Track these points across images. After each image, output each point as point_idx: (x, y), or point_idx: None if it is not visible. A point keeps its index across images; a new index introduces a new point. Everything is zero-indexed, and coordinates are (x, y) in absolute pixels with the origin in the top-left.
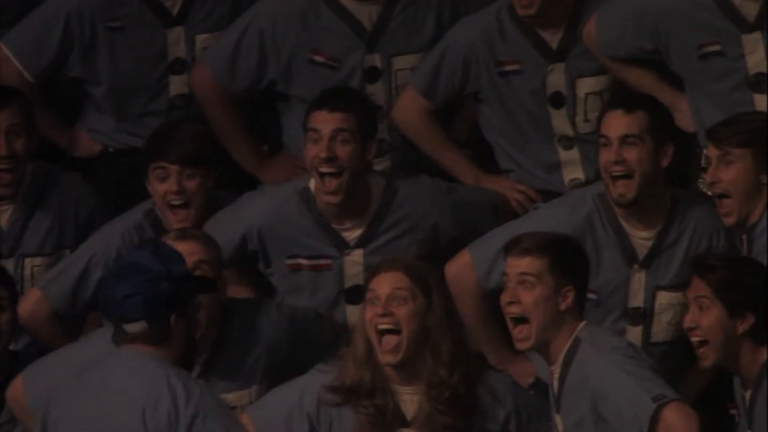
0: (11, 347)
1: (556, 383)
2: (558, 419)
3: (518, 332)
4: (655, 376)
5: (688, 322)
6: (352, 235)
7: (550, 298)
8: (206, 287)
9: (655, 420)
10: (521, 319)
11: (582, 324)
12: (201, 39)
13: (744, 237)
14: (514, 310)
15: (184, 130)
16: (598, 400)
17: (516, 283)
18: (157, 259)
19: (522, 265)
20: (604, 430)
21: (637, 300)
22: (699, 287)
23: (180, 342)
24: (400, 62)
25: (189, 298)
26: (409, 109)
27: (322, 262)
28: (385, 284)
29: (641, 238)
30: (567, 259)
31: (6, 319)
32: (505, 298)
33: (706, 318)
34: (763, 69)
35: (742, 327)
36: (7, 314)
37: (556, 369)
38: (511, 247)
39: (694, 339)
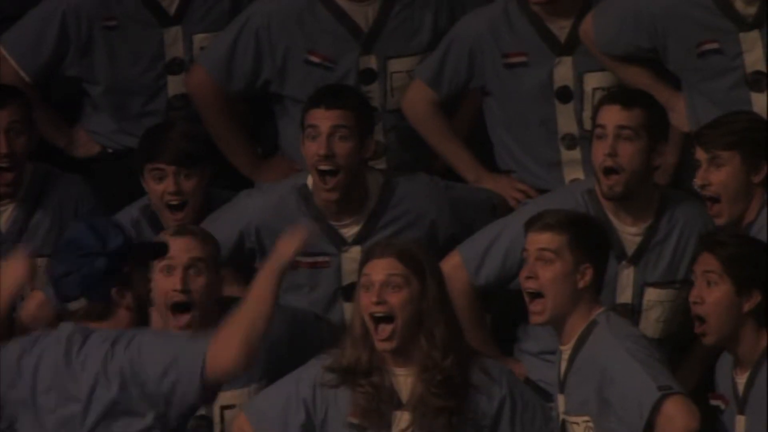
0: None
1: (564, 363)
2: (560, 399)
3: (533, 306)
4: (665, 369)
5: (693, 296)
6: (350, 232)
7: (568, 275)
8: (154, 254)
9: (656, 409)
10: (537, 294)
11: (601, 309)
12: (199, 39)
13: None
14: (531, 285)
15: (177, 129)
16: (605, 381)
17: (535, 258)
18: (92, 234)
19: (542, 240)
20: (606, 413)
21: (625, 296)
22: (708, 262)
23: (127, 314)
24: (396, 65)
25: (132, 269)
26: (415, 100)
27: (320, 259)
28: (379, 270)
29: (630, 233)
30: (587, 237)
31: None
32: (523, 273)
33: (713, 294)
34: (761, 67)
35: (748, 305)
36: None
37: (568, 349)
38: (532, 223)
39: (695, 314)
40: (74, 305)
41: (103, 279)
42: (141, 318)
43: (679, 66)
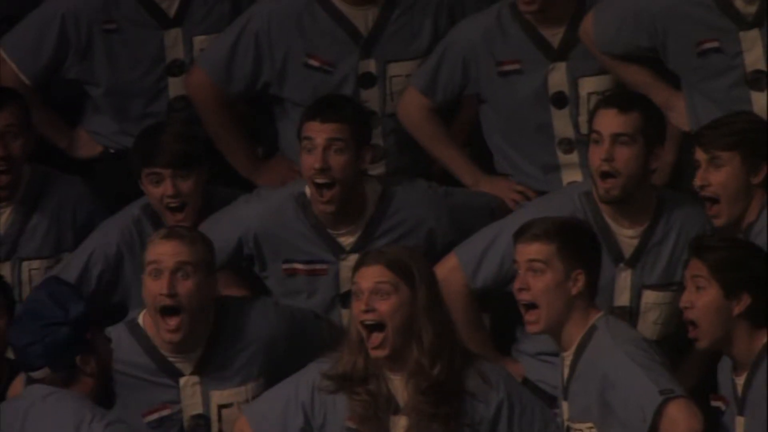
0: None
1: (566, 370)
2: (564, 406)
3: (528, 316)
4: (666, 372)
5: (683, 301)
6: (348, 240)
7: (560, 284)
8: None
9: (659, 413)
10: (531, 305)
11: (600, 314)
12: (199, 40)
13: (740, 237)
14: (524, 296)
15: (170, 131)
16: (606, 387)
17: (525, 269)
18: (53, 303)
19: (531, 251)
20: (608, 418)
21: (622, 299)
22: (696, 267)
23: (90, 378)
24: (396, 69)
25: (94, 334)
26: (410, 107)
27: (318, 267)
28: (368, 278)
29: (627, 236)
30: (576, 243)
31: (1, 325)
32: (515, 284)
33: (702, 298)
34: (761, 66)
35: (738, 308)
36: (2, 321)
37: (569, 355)
38: (520, 234)
39: (687, 319)
40: (38, 374)
41: (67, 348)
42: (104, 382)
43: (679, 65)
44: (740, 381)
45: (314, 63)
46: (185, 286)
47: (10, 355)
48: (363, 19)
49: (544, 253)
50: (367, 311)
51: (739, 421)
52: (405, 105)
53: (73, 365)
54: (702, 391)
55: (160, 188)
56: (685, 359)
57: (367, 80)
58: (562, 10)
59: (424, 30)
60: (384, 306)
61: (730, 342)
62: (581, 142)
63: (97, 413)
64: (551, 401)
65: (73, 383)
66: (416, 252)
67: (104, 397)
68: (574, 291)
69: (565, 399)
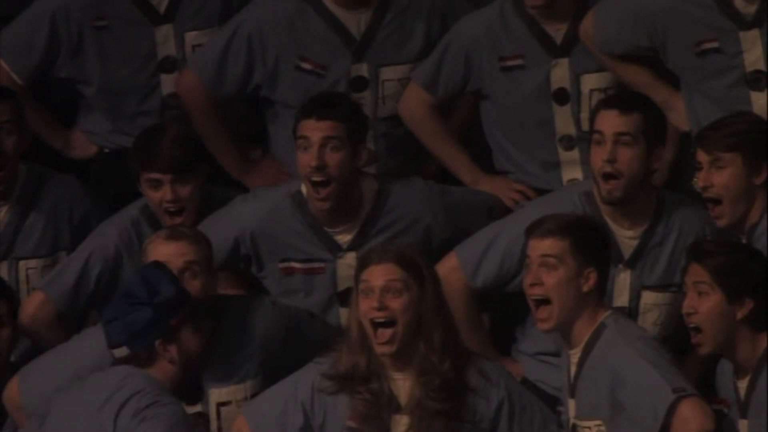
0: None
1: (573, 367)
2: (571, 404)
3: (540, 313)
4: (677, 370)
5: (686, 307)
6: (345, 238)
7: (572, 280)
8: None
9: (671, 411)
10: (543, 301)
11: (609, 312)
12: (190, 36)
13: (741, 238)
14: (536, 291)
15: (169, 135)
16: (617, 384)
17: (538, 265)
18: (144, 283)
19: (544, 246)
20: (619, 416)
21: (622, 299)
22: (697, 273)
23: (171, 364)
24: (388, 73)
25: (181, 324)
26: (412, 103)
27: (315, 265)
28: (379, 276)
29: (626, 237)
30: (589, 241)
31: (6, 335)
32: (527, 280)
33: (705, 304)
34: (760, 66)
35: (741, 313)
36: (7, 330)
37: (576, 353)
38: (532, 229)
39: (690, 324)
40: (119, 352)
41: (146, 329)
42: (186, 373)
43: (678, 65)
44: (743, 384)
45: (306, 66)
46: (194, 286)
47: (13, 357)
48: (355, 22)
49: (558, 248)
50: (379, 309)
51: (743, 424)
52: (407, 100)
53: (152, 348)
54: (701, 393)
55: (159, 193)
56: (684, 361)
57: (359, 84)
58: (566, 6)
59: (416, 34)
60: (396, 303)
61: (733, 346)
62: (582, 139)
63: (152, 393)
64: (551, 401)
65: (152, 366)
66: (418, 249)
67: (187, 389)
68: (585, 288)
69: (572, 397)
